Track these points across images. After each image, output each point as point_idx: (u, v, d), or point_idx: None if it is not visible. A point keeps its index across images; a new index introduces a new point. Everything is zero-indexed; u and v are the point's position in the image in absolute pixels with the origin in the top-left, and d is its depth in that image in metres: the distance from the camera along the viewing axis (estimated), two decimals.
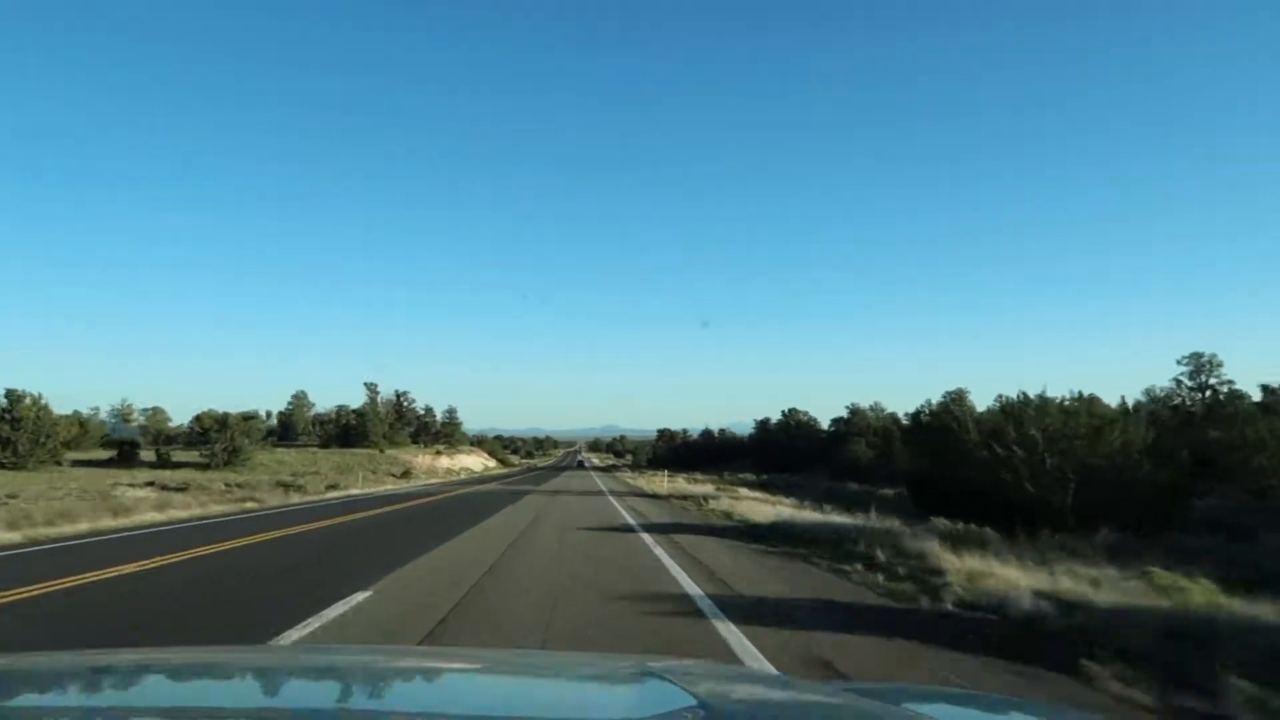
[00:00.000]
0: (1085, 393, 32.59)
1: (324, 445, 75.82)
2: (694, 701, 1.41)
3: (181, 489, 39.08)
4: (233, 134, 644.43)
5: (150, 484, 44.93)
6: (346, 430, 76.62)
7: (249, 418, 60.94)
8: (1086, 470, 29.34)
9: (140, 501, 22.52)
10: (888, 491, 59.29)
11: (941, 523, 23.06)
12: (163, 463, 59.14)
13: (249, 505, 24.59)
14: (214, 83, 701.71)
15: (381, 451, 70.78)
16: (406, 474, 57.48)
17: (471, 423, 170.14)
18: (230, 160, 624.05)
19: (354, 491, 36.67)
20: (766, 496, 36.16)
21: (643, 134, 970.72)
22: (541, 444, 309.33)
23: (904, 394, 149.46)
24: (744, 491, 40.15)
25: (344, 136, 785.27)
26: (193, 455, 60.31)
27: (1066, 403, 31.66)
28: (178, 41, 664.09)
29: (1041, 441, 30.26)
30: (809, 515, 20.82)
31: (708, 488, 45.23)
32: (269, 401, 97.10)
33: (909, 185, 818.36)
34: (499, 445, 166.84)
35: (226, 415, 58.87)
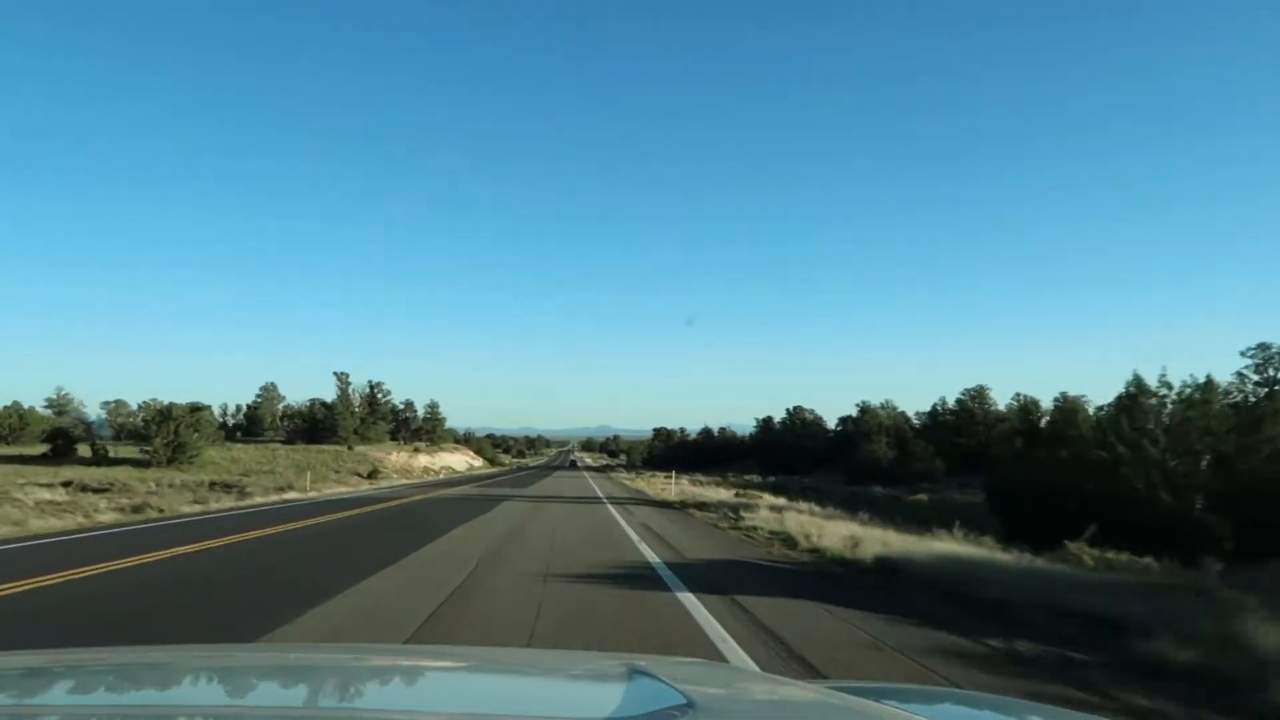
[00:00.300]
0: (1201, 379, 26.15)
1: (288, 441, 68.46)
2: (683, 700, 1.37)
3: (102, 490, 32.77)
4: (235, 133, 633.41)
5: (68, 484, 38.40)
6: (314, 425, 69.29)
7: (198, 409, 53.82)
8: (1227, 476, 22.75)
9: None
10: (921, 497, 52.58)
11: (1085, 552, 16.34)
12: (98, 459, 52.08)
13: (105, 519, 17.73)
14: (211, 80, 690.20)
15: (350, 448, 63.11)
16: (374, 474, 50.40)
17: (466, 422, 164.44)
18: (233, 160, 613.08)
19: (292, 496, 29.78)
20: (795, 504, 29.50)
21: (641, 133, 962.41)
22: (533, 443, 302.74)
23: (901, 392, 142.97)
24: (770, 499, 33.46)
25: (341, 136, 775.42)
26: (134, 451, 53.25)
27: (1189, 393, 25.06)
28: (178, 41, 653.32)
29: (1163, 440, 23.61)
30: (897, 539, 14.03)
31: (721, 492, 38.39)
32: (249, 397, 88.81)
33: (906, 185, 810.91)
34: (489, 444, 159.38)
35: (171, 406, 51.84)
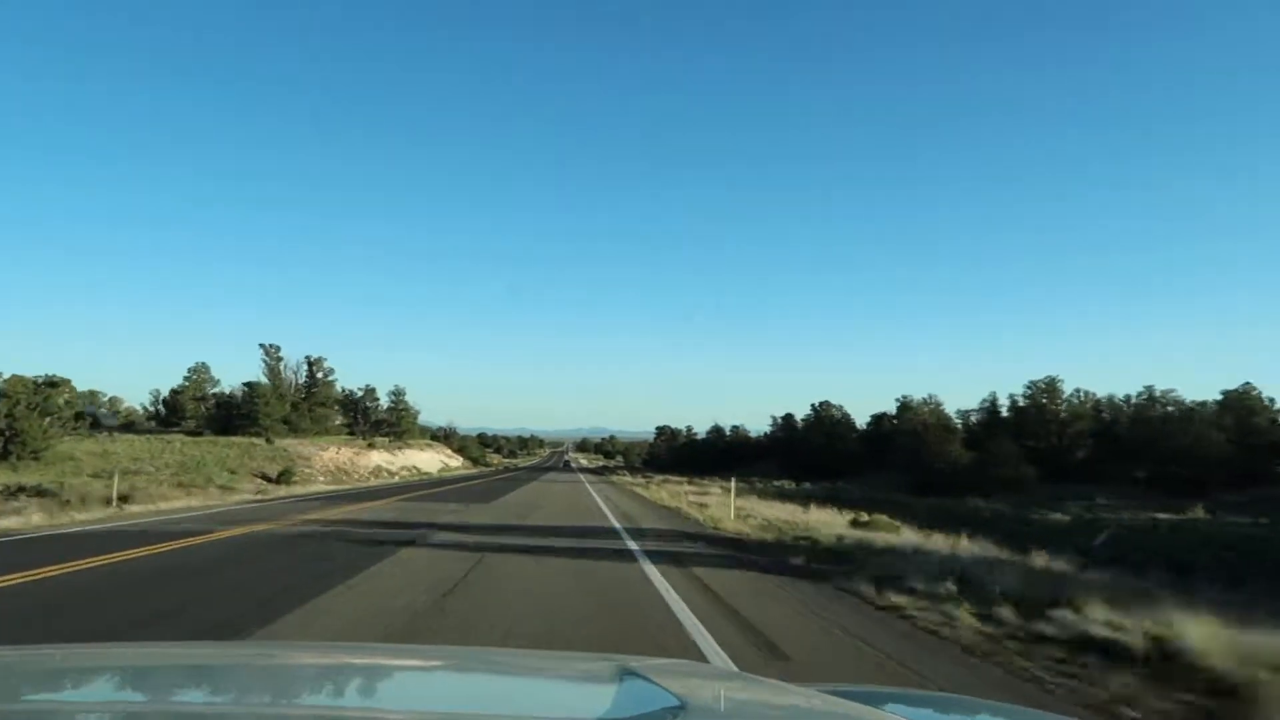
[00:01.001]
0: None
1: (195, 432, 53.64)
2: (675, 701, 1.35)
3: None
4: (243, 130, 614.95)
5: None
6: (230, 411, 54.08)
7: (53, 384, 39.36)
8: None
9: None
10: (1060, 517, 38.26)
11: None
12: None
13: None
14: (193, 48, 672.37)
15: (269, 441, 48.44)
16: (285, 476, 36.01)
17: (461, 423, 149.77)
18: (226, 148, 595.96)
19: (39, 522, 15.47)
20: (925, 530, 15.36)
21: (643, 122, 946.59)
22: (526, 443, 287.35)
23: (903, 391, 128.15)
24: (905, 529, 19.34)
25: (339, 131, 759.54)
26: None
27: None
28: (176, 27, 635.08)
29: None
30: None
31: (815, 514, 24.08)
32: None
33: (904, 184, 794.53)
34: (475, 443, 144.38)
35: (15, 380, 37.49)
